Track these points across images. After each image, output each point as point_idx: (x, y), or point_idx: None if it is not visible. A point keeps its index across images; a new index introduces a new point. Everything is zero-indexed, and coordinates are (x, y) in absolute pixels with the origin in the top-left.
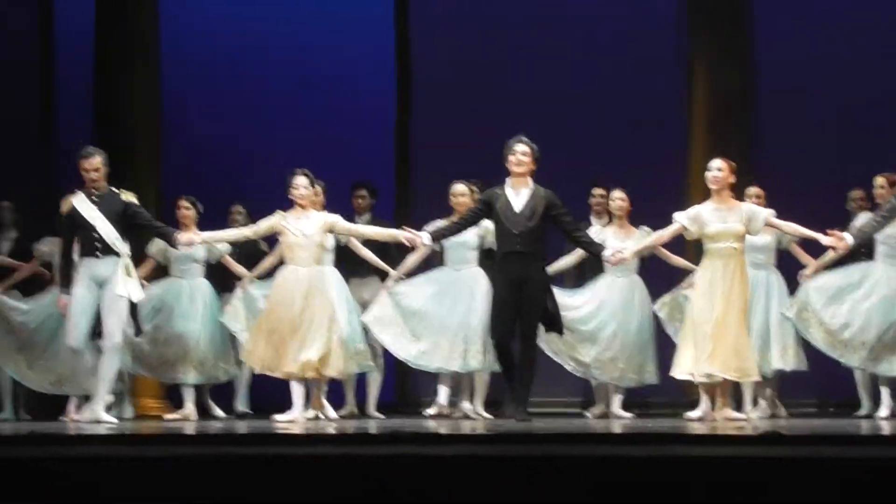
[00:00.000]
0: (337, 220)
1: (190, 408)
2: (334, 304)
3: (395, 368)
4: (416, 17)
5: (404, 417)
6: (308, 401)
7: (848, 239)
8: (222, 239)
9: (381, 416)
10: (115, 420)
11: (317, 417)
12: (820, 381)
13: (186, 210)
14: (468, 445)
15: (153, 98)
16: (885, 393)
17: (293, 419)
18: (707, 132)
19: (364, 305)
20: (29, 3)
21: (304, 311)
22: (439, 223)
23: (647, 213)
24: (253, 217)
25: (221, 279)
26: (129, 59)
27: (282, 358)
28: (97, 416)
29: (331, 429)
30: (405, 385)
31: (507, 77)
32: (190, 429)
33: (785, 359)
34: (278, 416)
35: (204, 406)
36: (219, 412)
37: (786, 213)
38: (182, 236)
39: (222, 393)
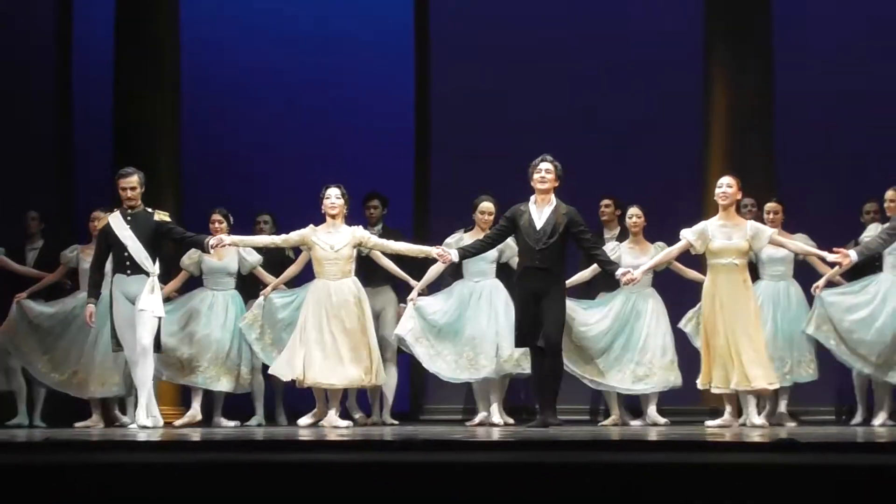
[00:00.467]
0: (367, 235)
1: (196, 409)
2: (366, 315)
3: (409, 378)
4: (435, 30)
5: (425, 425)
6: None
7: (852, 256)
8: (251, 244)
9: (396, 423)
10: (149, 424)
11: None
12: (824, 389)
13: (220, 224)
14: (508, 452)
15: (173, 114)
16: (885, 401)
17: (336, 424)
18: (725, 145)
19: (376, 315)
20: (47, 16)
21: (337, 324)
22: (459, 236)
23: (665, 227)
24: (279, 226)
25: (254, 291)
26: (148, 75)
27: (325, 370)
28: (140, 421)
29: (362, 435)
30: (418, 394)
31: (525, 91)
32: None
33: (803, 370)
34: (301, 421)
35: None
36: (227, 423)
37: (804, 225)
38: (212, 239)
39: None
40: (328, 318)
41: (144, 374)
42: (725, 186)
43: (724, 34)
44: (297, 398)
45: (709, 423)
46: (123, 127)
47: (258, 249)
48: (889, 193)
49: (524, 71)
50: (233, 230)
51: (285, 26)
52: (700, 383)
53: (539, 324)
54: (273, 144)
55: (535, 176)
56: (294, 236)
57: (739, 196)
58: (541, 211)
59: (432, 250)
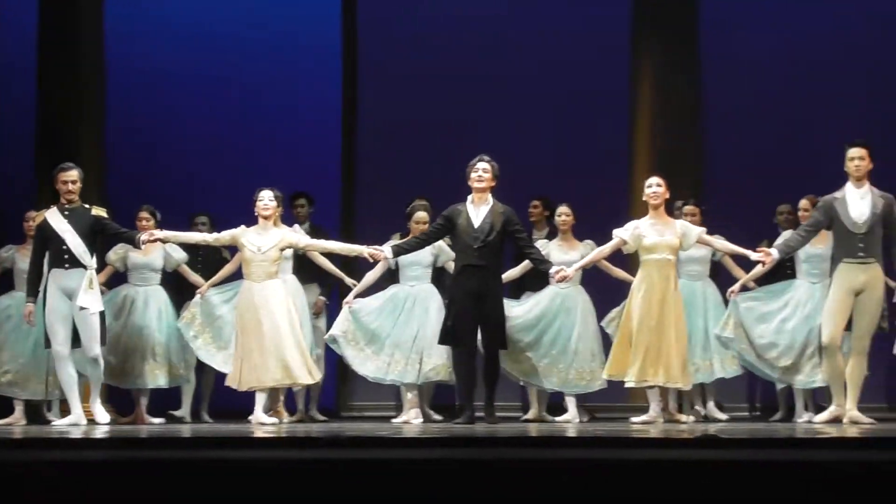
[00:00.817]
0: (299, 237)
1: (140, 411)
2: (293, 315)
3: (335, 375)
4: (364, 29)
5: (351, 422)
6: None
7: (774, 253)
8: (182, 240)
9: (324, 419)
10: (108, 418)
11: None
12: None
13: (147, 222)
14: (435, 449)
15: (97, 113)
16: (799, 402)
17: (269, 423)
18: (651, 146)
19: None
20: None
21: (266, 325)
22: (395, 242)
23: (593, 226)
24: (216, 226)
25: (178, 287)
26: (72, 75)
27: (260, 372)
28: (97, 416)
29: (302, 432)
30: (345, 391)
31: (454, 91)
32: (186, 431)
33: (725, 367)
34: (263, 420)
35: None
36: (156, 420)
37: (724, 226)
38: (143, 234)
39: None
40: (255, 320)
41: (98, 376)
42: (655, 186)
43: (652, 35)
44: (225, 397)
45: (633, 419)
46: (47, 127)
47: (187, 248)
48: (802, 202)
49: (453, 72)
50: (161, 228)
51: (213, 26)
52: (608, 374)
53: (476, 323)
54: (201, 144)
55: (473, 175)
56: (225, 235)
57: (668, 195)
58: (478, 210)
59: (364, 249)
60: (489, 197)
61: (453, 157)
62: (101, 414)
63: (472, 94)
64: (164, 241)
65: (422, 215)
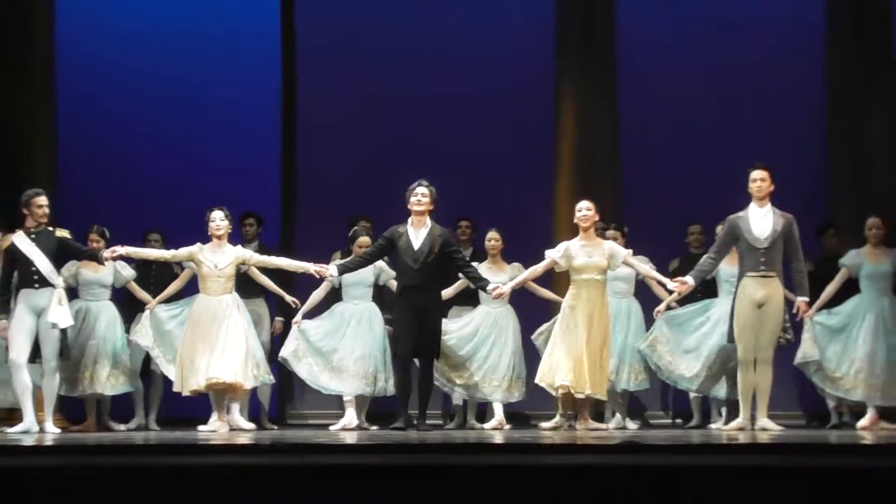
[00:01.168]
0: (249, 254)
1: (92, 420)
2: (244, 326)
3: (278, 383)
4: (302, 45)
5: (292, 429)
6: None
7: (689, 281)
8: (143, 256)
9: (275, 427)
10: (57, 430)
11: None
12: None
13: (97, 243)
14: (371, 455)
15: (47, 126)
16: (712, 407)
17: (215, 429)
18: (573, 171)
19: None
20: None
21: (217, 335)
22: (340, 261)
23: (519, 246)
24: (167, 243)
25: (129, 303)
26: (22, 89)
27: (202, 375)
28: (47, 427)
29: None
30: (286, 399)
31: (387, 112)
32: (138, 439)
33: (635, 381)
34: (202, 427)
35: (103, 420)
36: (120, 426)
37: (642, 247)
38: (106, 251)
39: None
40: (209, 328)
41: (53, 388)
42: (585, 210)
43: (573, 66)
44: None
45: (542, 424)
46: None
47: (141, 263)
48: (718, 228)
49: (388, 93)
50: (109, 247)
51: (161, 31)
52: (540, 381)
53: (414, 336)
54: (148, 164)
55: (412, 199)
56: (183, 252)
57: (597, 218)
58: (418, 232)
59: (311, 266)
60: (427, 219)
61: (390, 177)
62: (51, 429)
63: (405, 116)
64: (125, 256)
65: (364, 240)
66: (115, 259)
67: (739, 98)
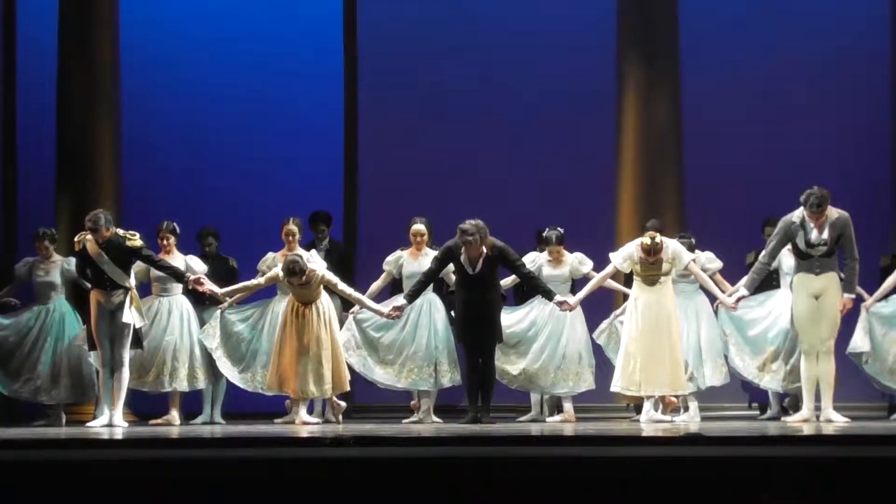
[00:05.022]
0: (335, 281)
1: (175, 413)
2: (331, 334)
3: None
4: (364, 44)
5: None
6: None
7: (744, 293)
8: (237, 291)
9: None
10: (125, 424)
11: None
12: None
13: (167, 241)
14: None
15: (114, 132)
16: (773, 399)
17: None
18: (635, 168)
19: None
20: None
21: (308, 347)
22: (399, 254)
23: (580, 239)
24: (222, 242)
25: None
26: (88, 93)
27: (297, 384)
28: (115, 421)
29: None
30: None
31: (448, 119)
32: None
33: (716, 375)
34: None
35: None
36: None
37: (705, 243)
38: (203, 288)
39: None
40: (302, 336)
41: (124, 383)
42: (650, 238)
43: (633, 63)
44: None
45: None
46: (66, 142)
47: (200, 257)
48: (767, 229)
49: (449, 90)
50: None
51: (222, 43)
52: (625, 388)
53: (477, 326)
54: (210, 163)
55: (460, 239)
56: (272, 276)
57: (659, 240)
58: (471, 259)
59: (384, 310)
60: (482, 248)
61: (450, 175)
62: (120, 422)
63: (472, 112)
64: (223, 297)
65: (418, 228)
66: (202, 290)
67: (800, 94)
